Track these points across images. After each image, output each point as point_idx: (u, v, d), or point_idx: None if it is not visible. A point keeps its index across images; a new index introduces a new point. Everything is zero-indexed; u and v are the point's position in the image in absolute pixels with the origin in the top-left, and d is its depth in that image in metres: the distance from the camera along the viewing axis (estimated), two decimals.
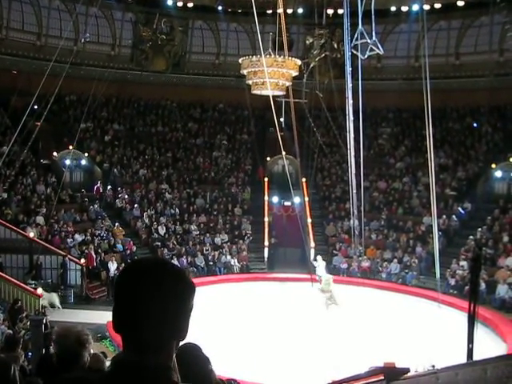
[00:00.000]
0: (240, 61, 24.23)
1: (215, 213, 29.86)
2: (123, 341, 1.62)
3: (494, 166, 28.11)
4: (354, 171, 19.55)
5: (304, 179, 28.84)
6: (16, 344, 6.99)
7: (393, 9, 32.52)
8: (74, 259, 21.93)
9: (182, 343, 4.34)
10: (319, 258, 23.06)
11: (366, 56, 19.62)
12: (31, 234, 21.54)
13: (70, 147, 25.96)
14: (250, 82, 24.07)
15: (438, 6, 31.41)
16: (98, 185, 28.85)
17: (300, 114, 26.42)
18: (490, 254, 23.40)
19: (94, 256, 23.21)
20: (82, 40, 27.43)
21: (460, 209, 27.18)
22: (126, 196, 28.89)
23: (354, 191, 19.92)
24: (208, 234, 28.09)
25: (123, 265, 22.18)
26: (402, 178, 30.99)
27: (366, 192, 25.56)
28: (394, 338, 16.66)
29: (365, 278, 25.23)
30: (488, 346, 15.13)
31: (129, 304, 1.57)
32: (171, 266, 1.66)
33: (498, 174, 27.83)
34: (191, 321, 1.66)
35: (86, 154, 30.21)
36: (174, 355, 1.66)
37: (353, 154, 19.48)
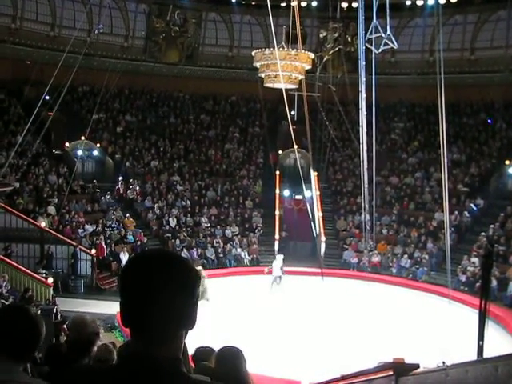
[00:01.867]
0: (253, 53, 24.19)
1: (226, 205, 29.91)
2: (131, 333, 1.61)
3: (507, 162, 27.88)
4: (365, 166, 19.45)
5: (315, 173, 28.71)
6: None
7: (408, 3, 32.26)
8: (85, 249, 22.04)
9: (223, 346, 4.32)
10: (279, 257, 23.09)
11: (380, 50, 19.50)
12: (42, 224, 21.66)
13: (82, 138, 26.06)
14: (263, 74, 24.03)
15: None
16: (119, 186, 28.57)
17: (312, 108, 26.33)
18: (502, 251, 23.25)
19: (105, 246, 23.33)
20: (96, 31, 27.53)
21: (472, 205, 27.02)
22: (138, 187, 28.96)
23: (366, 186, 19.82)
24: (219, 227, 28.16)
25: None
26: (414, 174, 30.87)
27: (377, 187, 25.46)
28: (403, 333, 16.61)
29: (375, 272, 25.16)
30: (498, 343, 15.04)
31: (136, 296, 1.57)
32: (176, 256, 1.67)
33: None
34: (198, 311, 1.66)
35: (98, 145, 30.32)
36: (183, 345, 1.66)
37: (365, 148, 19.38)
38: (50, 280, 18.35)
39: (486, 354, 6.37)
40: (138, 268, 1.61)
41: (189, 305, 1.61)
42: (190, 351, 4.28)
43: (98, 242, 23.29)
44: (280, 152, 32.82)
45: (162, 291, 1.55)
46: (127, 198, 28.49)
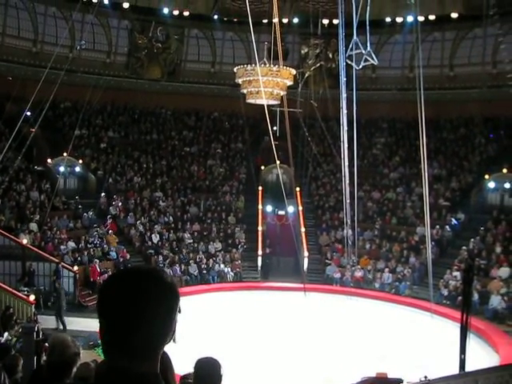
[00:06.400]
0: (235, 70, 24.31)
1: (209, 221, 29.84)
2: (109, 348, 1.60)
3: (487, 176, 28.23)
4: (347, 181, 19.55)
5: (298, 188, 28.87)
6: (6, 352, 6.52)
7: (388, 19, 32.73)
8: (67, 266, 21.83)
9: (201, 357, 4.30)
10: None
11: (360, 66, 19.67)
12: (24, 241, 21.43)
13: (65, 154, 25.93)
14: (245, 90, 24.14)
15: (432, 17, 31.68)
16: (109, 221, 27.30)
17: (294, 124, 26.49)
18: (483, 265, 23.46)
19: (99, 270, 22.89)
20: (78, 47, 27.50)
21: (453, 219, 27.25)
22: (120, 203, 28.81)
23: (348, 201, 19.92)
24: (202, 243, 28.07)
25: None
26: (395, 188, 31.08)
27: (359, 202, 25.60)
28: (386, 348, 16.66)
29: (358, 287, 25.24)
30: (480, 356, 15.16)
31: (118, 313, 1.56)
32: (158, 273, 1.66)
33: (491, 184, 27.94)
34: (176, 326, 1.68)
35: (81, 161, 30.13)
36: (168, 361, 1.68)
37: (347, 163, 19.49)
38: (32, 297, 18.16)
39: (468, 367, 6.44)
40: (119, 285, 1.60)
41: (170, 320, 1.61)
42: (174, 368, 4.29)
43: (91, 264, 23.09)
44: (262, 168, 32.92)
45: (145, 307, 1.55)
46: (110, 214, 28.14)
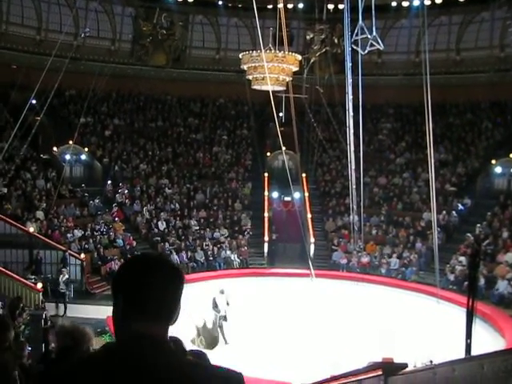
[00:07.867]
0: (240, 56, 24.22)
1: (215, 208, 29.88)
2: (125, 316, 1.83)
3: (493, 161, 28.11)
4: (353, 166, 19.48)
5: (304, 174, 28.82)
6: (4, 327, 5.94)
7: (393, 4, 32.49)
8: (74, 254, 21.92)
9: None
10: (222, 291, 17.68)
11: (366, 51, 19.54)
12: (31, 229, 21.52)
13: (70, 142, 25.95)
14: (251, 77, 24.06)
15: (438, 1, 31.40)
16: (115, 209, 27.46)
17: (300, 110, 26.42)
18: (489, 250, 23.43)
19: None
20: (82, 35, 27.38)
21: (460, 204, 27.19)
22: (126, 191, 28.88)
23: (354, 186, 19.87)
24: (208, 229, 28.13)
25: (122, 260, 22.33)
26: (401, 174, 31.01)
27: (365, 187, 25.55)
28: (392, 333, 16.67)
29: (364, 273, 25.24)
30: (486, 341, 15.17)
31: (133, 286, 1.84)
32: (164, 257, 2.01)
33: (498, 169, 27.83)
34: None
35: (86, 149, 30.21)
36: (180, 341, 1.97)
37: (353, 149, 19.42)
38: (40, 285, 18.25)
39: (474, 352, 6.44)
40: (135, 264, 1.92)
41: (175, 295, 1.89)
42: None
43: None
44: (268, 154, 32.88)
45: (154, 281, 1.84)
46: (116, 202, 28.23)
